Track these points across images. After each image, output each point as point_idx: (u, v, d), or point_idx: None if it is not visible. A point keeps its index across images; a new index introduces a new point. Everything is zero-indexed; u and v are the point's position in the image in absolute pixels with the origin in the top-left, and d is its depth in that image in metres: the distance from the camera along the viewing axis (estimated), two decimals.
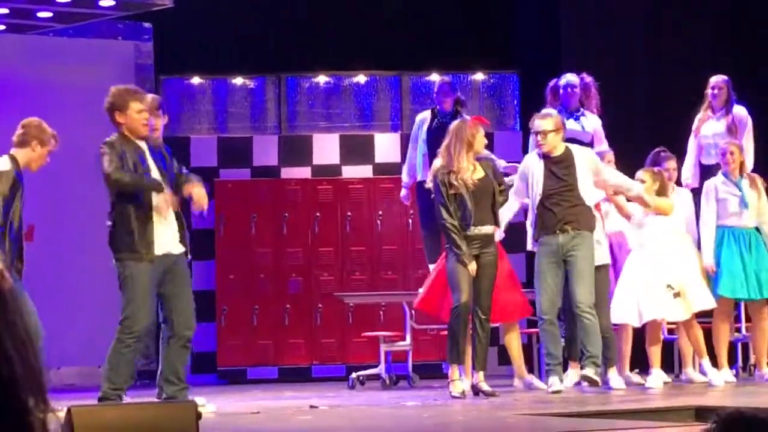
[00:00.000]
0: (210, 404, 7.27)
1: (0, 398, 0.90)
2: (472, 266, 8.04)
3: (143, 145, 7.23)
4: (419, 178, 10.07)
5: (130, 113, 7.17)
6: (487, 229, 8.15)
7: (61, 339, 7.47)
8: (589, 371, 8.27)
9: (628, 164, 9.22)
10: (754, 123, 9.95)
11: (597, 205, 8.76)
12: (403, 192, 10.31)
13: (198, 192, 7.17)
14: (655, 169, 9.16)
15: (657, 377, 8.77)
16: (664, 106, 10.74)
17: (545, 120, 8.59)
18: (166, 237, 7.08)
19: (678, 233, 9.01)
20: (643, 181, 8.89)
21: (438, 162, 8.25)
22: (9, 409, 0.91)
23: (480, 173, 8.19)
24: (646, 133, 10.60)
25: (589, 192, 8.50)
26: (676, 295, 8.76)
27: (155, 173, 7.17)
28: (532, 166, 8.58)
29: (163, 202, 7.01)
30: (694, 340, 9.00)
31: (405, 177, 10.36)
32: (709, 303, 8.97)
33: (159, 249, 7.03)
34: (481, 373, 8.26)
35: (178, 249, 7.14)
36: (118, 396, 7.02)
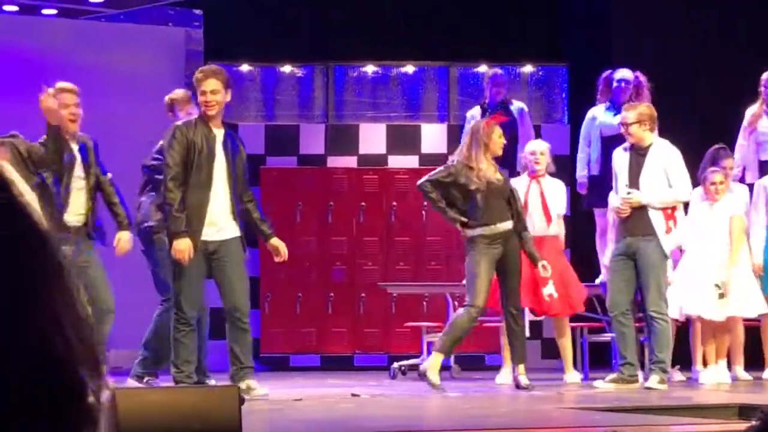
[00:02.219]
0: (262, 387, 7.36)
1: (55, 373, 0.91)
2: (460, 221, 8.01)
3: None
4: None
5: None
6: (506, 225, 8.10)
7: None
8: (654, 379, 8.21)
9: None
10: None
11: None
12: None
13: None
14: (728, 170, 9.08)
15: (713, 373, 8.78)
16: (713, 101, 10.64)
17: (629, 111, 8.53)
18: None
19: (726, 233, 8.91)
20: (722, 183, 8.86)
21: (457, 156, 8.25)
22: (64, 384, 0.92)
23: (499, 176, 8.20)
24: (693, 129, 10.51)
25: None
26: (721, 295, 8.69)
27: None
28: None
29: None
30: (733, 340, 8.94)
31: None
32: (753, 310, 8.88)
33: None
34: (522, 366, 8.24)
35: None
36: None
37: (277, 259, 7.57)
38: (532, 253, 8.18)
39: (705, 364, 8.98)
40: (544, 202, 9.01)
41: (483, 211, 8.05)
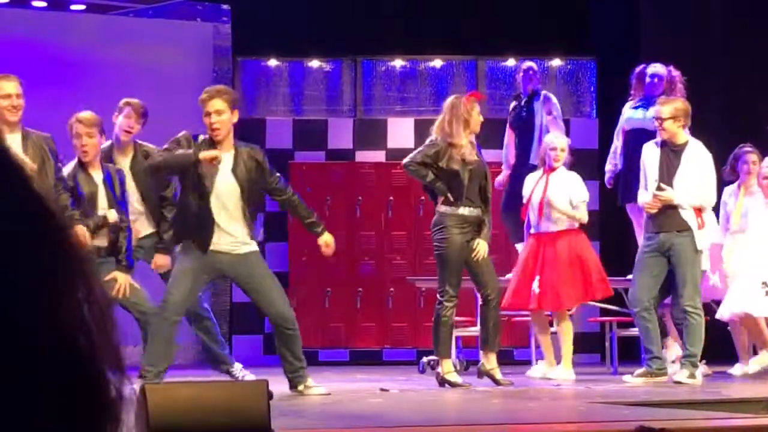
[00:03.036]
0: (320, 386, 7.30)
1: (77, 367, 0.91)
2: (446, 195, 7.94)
3: None
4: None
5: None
6: (477, 211, 8.02)
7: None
8: (683, 373, 8.18)
9: None
10: None
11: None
12: (500, 177, 10.28)
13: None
14: (751, 166, 9.02)
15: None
16: (741, 98, 10.59)
17: (664, 105, 8.48)
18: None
19: None
20: (765, 177, 8.83)
21: (433, 136, 8.05)
22: (86, 378, 0.92)
23: (475, 155, 8.02)
24: (721, 125, 10.47)
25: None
26: None
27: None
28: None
29: None
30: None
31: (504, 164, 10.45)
32: None
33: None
34: (493, 357, 8.16)
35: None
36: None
37: (326, 251, 7.45)
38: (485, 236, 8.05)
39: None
40: (542, 198, 8.88)
41: (465, 191, 7.95)
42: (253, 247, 7.22)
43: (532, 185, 9.01)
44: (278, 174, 7.43)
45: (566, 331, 8.90)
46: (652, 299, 8.42)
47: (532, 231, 9.01)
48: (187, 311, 7.50)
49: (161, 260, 7.84)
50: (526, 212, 9.07)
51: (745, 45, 11.43)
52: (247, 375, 7.61)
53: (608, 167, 10.04)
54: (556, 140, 9.10)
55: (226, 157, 7.07)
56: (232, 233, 7.11)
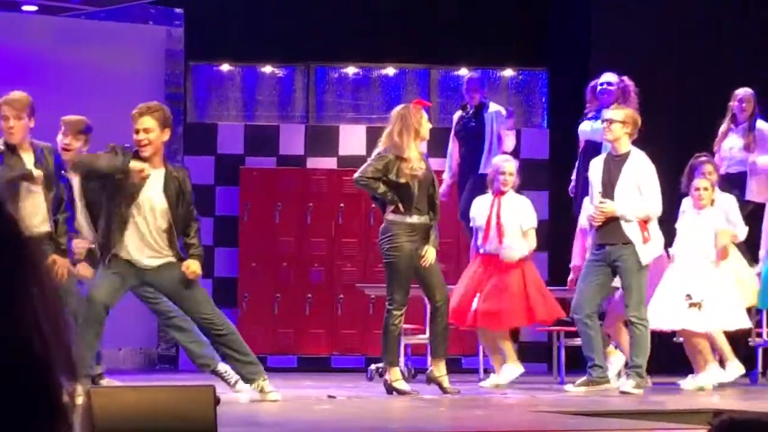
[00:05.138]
0: (275, 392, 7.27)
1: (31, 372, 0.92)
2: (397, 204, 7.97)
3: None
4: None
5: None
6: (425, 219, 8.06)
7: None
8: (629, 384, 8.23)
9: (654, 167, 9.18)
10: None
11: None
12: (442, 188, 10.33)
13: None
14: (708, 176, 9.09)
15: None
16: (692, 110, 10.69)
17: (616, 110, 8.54)
18: None
19: (711, 242, 8.89)
20: (705, 189, 8.88)
21: (382, 147, 8.05)
22: (40, 383, 0.92)
23: (423, 164, 8.05)
24: (672, 136, 10.57)
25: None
26: (693, 305, 8.70)
27: None
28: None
29: None
30: (715, 347, 8.96)
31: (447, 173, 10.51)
32: (732, 323, 8.86)
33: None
34: (442, 365, 8.20)
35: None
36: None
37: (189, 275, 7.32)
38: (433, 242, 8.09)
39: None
40: (498, 221, 8.99)
41: (414, 200, 7.98)
42: (174, 258, 7.23)
43: (482, 207, 9.10)
44: (193, 207, 7.42)
45: (504, 340, 9.01)
46: (596, 307, 8.48)
47: (481, 251, 9.11)
48: (158, 312, 7.58)
49: (85, 270, 7.87)
50: (487, 235, 9.11)
51: (696, 59, 11.53)
52: (233, 377, 7.53)
53: (574, 176, 10.15)
54: (504, 165, 9.17)
55: (156, 173, 7.13)
56: (156, 247, 7.15)
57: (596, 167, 8.53)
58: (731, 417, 2.57)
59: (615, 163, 8.42)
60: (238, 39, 12.27)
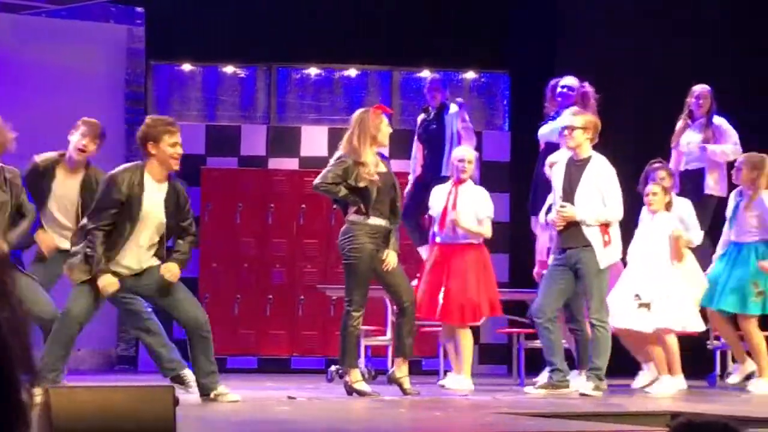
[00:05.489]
0: (233, 393, 7.25)
1: None
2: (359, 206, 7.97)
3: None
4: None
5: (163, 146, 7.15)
6: (385, 222, 8.05)
7: None
8: (588, 386, 8.25)
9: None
10: (744, 134, 9.95)
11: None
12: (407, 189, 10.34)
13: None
14: (664, 183, 9.15)
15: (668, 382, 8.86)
16: (655, 116, 10.74)
17: (576, 115, 8.56)
18: None
19: (663, 245, 8.95)
20: (655, 194, 8.93)
21: (341, 151, 8.03)
22: (2, 386, 0.91)
23: (382, 167, 8.03)
24: (633, 139, 10.62)
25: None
26: (642, 305, 8.76)
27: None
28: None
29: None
30: (665, 351, 8.99)
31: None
32: (681, 324, 8.91)
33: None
34: (405, 366, 8.19)
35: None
36: None
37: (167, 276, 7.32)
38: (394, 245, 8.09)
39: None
40: (453, 208, 9.00)
41: (373, 203, 7.97)
42: (155, 262, 7.24)
43: (440, 196, 9.11)
44: (191, 220, 7.49)
45: (466, 343, 8.98)
46: (557, 311, 8.51)
47: (438, 240, 9.10)
48: (132, 312, 7.55)
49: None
50: (431, 222, 9.15)
51: (661, 64, 11.59)
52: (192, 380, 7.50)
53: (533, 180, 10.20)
54: (463, 153, 9.21)
55: (161, 187, 7.19)
56: (143, 258, 7.26)
57: (558, 172, 8.57)
58: (689, 419, 2.59)
59: (576, 168, 8.45)
60: (199, 38, 12.24)
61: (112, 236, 7.10)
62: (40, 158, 7.97)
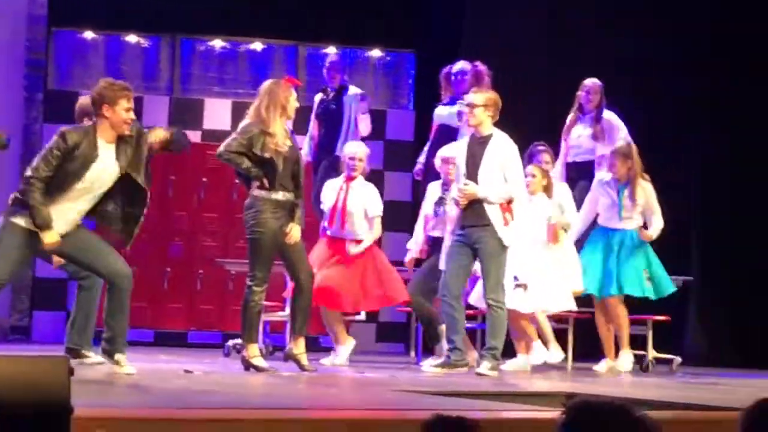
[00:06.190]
0: (131, 366, 7.17)
1: None
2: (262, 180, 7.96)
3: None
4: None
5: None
6: (290, 196, 8.05)
7: None
8: (485, 365, 8.31)
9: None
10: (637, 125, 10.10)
11: None
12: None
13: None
14: (543, 165, 9.27)
15: (522, 361, 9.00)
16: (559, 101, 10.83)
17: (476, 93, 8.59)
18: None
19: (540, 228, 9.09)
20: (534, 176, 9.05)
21: (248, 120, 7.98)
22: None
23: (289, 141, 8.00)
24: (538, 120, 10.68)
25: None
26: (518, 286, 8.89)
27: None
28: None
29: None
30: (540, 330, 9.17)
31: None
32: (555, 305, 9.08)
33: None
34: (302, 342, 8.21)
35: None
36: None
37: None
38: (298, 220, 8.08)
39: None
40: (344, 206, 9.10)
41: (278, 177, 7.96)
42: None
43: (331, 191, 9.21)
44: None
45: (339, 332, 9.15)
46: (461, 289, 8.56)
47: (329, 233, 9.20)
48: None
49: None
50: (333, 218, 9.17)
51: (563, 47, 11.66)
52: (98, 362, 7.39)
53: (420, 160, 10.26)
54: (355, 150, 9.29)
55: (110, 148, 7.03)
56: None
57: (460, 150, 8.59)
58: (585, 400, 2.61)
59: (478, 146, 8.48)
60: (103, 6, 12.06)
61: (51, 191, 6.87)
62: None
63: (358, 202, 9.13)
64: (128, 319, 7.22)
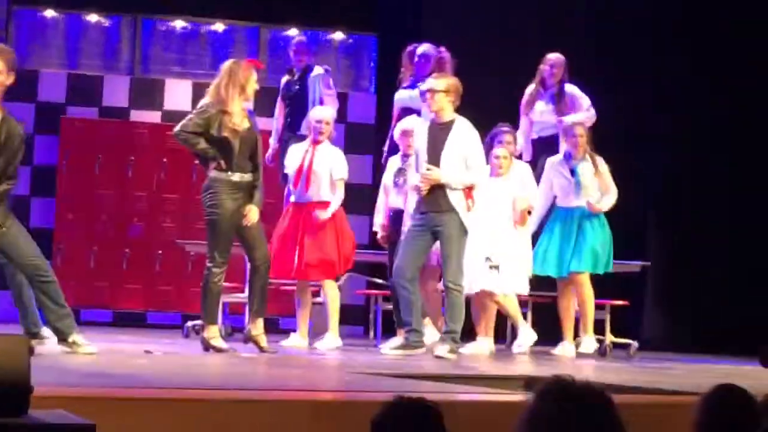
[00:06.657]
0: (90, 345, 7.15)
1: None
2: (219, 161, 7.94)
3: None
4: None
5: None
6: (248, 177, 8.04)
7: None
8: (444, 348, 8.33)
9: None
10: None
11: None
12: (269, 153, 10.29)
13: None
14: (505, 146, 9.29)
15: (481, 345, 9.05)
16: (518, 83, 10.85)
17: (437, 79, 8.59)
18: None
19: (507, 208, 9.14)
20: (505, 158, 9.09)
21: (207, 99, 7.97)
22: None
23: (246, 123, 7.96)
24: (499, 103, 10.70)
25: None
26: (492, 267, 8.96)
27: None
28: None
29: None
30: (507, 312, 9.24)
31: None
32: (515, 288, 9.15)
33: None
34: (260, 323, 8.20)
35: None
36: None
37: None
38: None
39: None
40: (310, 167, 9.06)
41: (235, 158, 7.94)
42: None
43: (296, 154, 9.16)
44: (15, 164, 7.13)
45: (333, 300, 9.06)
46: (417, 271, 8.57)
47: (293, 199, 9.15)
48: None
49: None
50: (297, 180, 9.15)
51: (525, 37, 11.68)
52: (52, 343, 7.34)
53: (385, 148, 10.23)
54: (321, 113, 9.25)
55: None
56: None
57: (421, 135, 8.60)
58: (559, 380, 2.57)
59: (440, 132, 8.49)
60: None
61: None
62: None
63: (324, 164, 9.05)
64: (63, 299, 7.14)
